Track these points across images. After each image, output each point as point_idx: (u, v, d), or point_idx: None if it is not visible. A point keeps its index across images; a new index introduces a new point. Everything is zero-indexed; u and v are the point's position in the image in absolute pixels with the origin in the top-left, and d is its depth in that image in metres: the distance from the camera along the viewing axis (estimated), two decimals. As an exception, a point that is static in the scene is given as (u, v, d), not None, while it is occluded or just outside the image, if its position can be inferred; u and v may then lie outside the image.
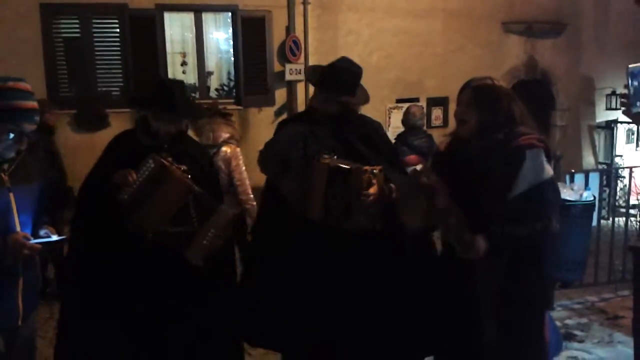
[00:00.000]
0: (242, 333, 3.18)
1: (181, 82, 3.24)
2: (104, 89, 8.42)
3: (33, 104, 2.57)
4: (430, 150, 5.26)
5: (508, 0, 9.87)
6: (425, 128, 6.82)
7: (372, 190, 2.76)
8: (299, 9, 8.74)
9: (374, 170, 2.78)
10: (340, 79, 2.96)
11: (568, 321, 4.84)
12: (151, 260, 2.74)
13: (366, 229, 2.82)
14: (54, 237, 2.62)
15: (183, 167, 2.72)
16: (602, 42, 10.30)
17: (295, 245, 2.94)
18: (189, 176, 2.74)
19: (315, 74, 3.11)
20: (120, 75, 8.36)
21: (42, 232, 2.63)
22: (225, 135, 4.89)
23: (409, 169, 5.06)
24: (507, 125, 2.59)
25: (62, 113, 8.04)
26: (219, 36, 9.23)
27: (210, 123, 4.86)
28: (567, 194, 4.79)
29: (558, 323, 4.50)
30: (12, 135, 2.49)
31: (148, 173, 2.65)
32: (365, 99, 3.08)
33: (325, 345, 2.91)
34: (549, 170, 2.57)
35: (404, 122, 5.81)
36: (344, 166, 2.75)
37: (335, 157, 2.84)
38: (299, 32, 8.77)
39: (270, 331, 3.04)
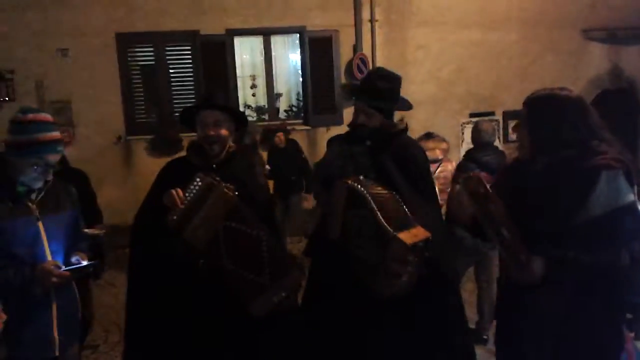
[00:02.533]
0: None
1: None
2: (178, 113, 8.62)
3: (55, 134, 2.62)
4: (499, 167, 4.99)
5: (588, 5, 9.38)
6: (499, 143, 6.53)
7: (409, 269, 2.60)
8: (366, 26, 8.69)
9: (419, 243, 2.60)
10: (376, 84, 2.97)
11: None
12: (208, 289, 2.70)
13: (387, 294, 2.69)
14: (84, 263, 2.63)
15: (229, 186, 2.67)
16: (693, 45, 9.59)
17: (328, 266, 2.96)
18: (236, 193, 2.69)
19: (352, 87, 3.19)
20: (194, 99, 8.56)
21: (73, 259, 2.64)
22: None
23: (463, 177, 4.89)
24: (577, 140, 2.35)
25: (140, 139, 8.38)
26: (288, 58, 9.30)
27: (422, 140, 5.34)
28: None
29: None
30: (36, 168, 2.53)
31: (196, 191, 2.63)
32: (407, 107, 3.06)
33: None
34: (628, 196, 2.29)
35: (473, 138, 5.56)
36: (383, 223, 2.61)
37: (361, 177, 2.79)
38: (366, 50, 8.70)
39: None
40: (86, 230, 2.87)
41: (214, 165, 2.81)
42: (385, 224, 2.60)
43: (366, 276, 2.69)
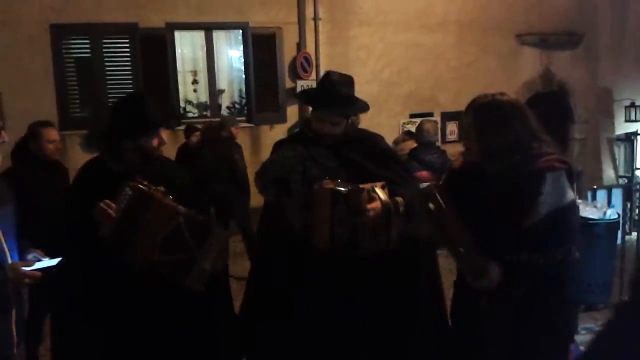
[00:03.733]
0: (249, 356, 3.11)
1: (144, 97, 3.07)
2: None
3: None
4: (442, 167, 5.10)
5: (523, 11, 9.71)
6: (439, 143, 6.67)
7: (374, 205, 2.62)
8: (309, 24, 8.68)
9: (374, 187, 2.65)
10: (340, 92, 2.81)
11: (593, 345, 4.61)
12: (142, 293, 2.59)
13: (379, 250, 2.68)
14: (47, 260, 2.49)
15: (161, 189, 2.55)
16: (620, 52, 10.09)
17: (295, 268, 2.84)
18: (170, 197, 2.57)
19: (308, 95, 3.08)
20: (131, 94, 8.31)
21: (30, 257, 2.51)
22: None
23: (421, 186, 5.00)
24: (522, 145, 2.41)
25: (74, 134, 8.05)
26: (230, 54, 9.17)
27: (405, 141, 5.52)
28: (590, 212, 4.60)
29: (582, 348, 4.28)
30: None
31: (127, 202, 2.47)
32: (364, 108, 2.92)
33: None
34: (570, 194, 2.38)
35: (417, 138, 5.67)
36: (343, 189, 2.63)
37: (338, 180, 2.71)
38: (310, 48, 8.69)
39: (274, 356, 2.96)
40: None
41: (136, 170, 2.64)
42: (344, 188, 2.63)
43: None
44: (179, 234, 2.51)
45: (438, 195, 2.39)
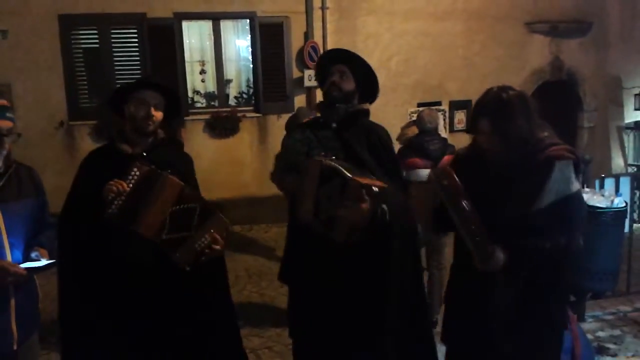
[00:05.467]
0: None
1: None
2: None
3: (1, 101, 2.49)
4: (441, 154, 5.08)
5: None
6: (447, 132, 6.64)
7: (363, 206, 2.57)
8: (317, 14, 8.66)
9: (374, 188, 2.59)
10: (353, 53, 3.07)
11: (600, 333, 4.62)
12: (143, 280, 2.60)
13: (343, 240, 2.66)
14: (43, 261, 2.48)
15: (167, 171, 2.60)
16: (629, 40, 10.02)
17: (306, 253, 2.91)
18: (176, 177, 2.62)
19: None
20: (140, 84, 8.33)
21: (32, 255, 2.50)
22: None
23: (422, 171, 5.00)
24: (532, 135, 2.46)
25: (83, 124, 8.12)
26: (238, 44, 9.17)
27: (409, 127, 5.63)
28: (597, 200, 4.58)
29: (589, 336, 4.29)
30: None
31: (137, 179, 2.52)
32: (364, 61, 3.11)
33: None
34: (576, 184, 2.48)
35: (417, 126, 5.68)
36: (343, 171, 2.58)
37: (333, 157, 2.72)
38: (317, 38, 8.68)
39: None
40: None
41: (144, 153, 2.68)
42: (346, 172, 2.57)
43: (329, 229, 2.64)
44: (189, 214, 2.56)
45: (453, 174, 2.43)
